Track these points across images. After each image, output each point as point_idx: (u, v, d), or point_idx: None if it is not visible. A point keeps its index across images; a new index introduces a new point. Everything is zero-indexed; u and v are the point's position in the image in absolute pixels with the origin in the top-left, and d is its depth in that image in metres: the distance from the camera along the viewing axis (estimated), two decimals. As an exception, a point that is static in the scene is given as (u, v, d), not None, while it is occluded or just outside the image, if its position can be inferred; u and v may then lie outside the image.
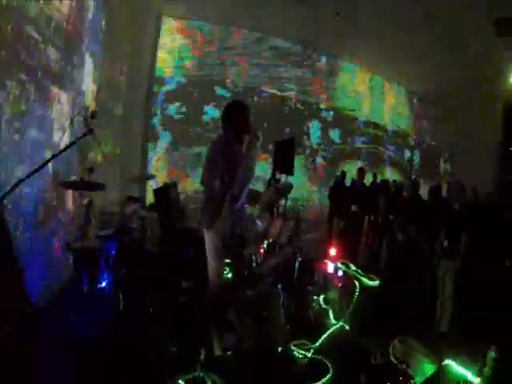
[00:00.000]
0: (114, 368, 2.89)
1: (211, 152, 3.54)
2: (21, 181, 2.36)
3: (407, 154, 14.80)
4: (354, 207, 7.76)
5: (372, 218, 7.45)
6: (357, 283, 4.54)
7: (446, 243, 4.69)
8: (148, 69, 9.44)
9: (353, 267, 5.11)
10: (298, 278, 4.78)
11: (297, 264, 4.82)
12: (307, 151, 11.92)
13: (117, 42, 6.82)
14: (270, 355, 3.43)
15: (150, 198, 7.12)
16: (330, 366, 3.49)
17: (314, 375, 3.33)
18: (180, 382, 2.90)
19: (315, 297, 4.61)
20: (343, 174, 9.00)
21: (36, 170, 2.50)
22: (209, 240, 3.43)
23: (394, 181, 9.51)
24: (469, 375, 3.17)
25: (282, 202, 6.03)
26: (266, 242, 5.03)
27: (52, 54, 3.95)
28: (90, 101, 5.41)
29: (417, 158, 15.15)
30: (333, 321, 4.35)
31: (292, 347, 3.66)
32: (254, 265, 4.62)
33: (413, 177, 11.68)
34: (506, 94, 11.05)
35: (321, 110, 12.24)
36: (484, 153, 12.13)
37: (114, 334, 3.42)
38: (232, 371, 3.17)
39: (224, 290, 3.53)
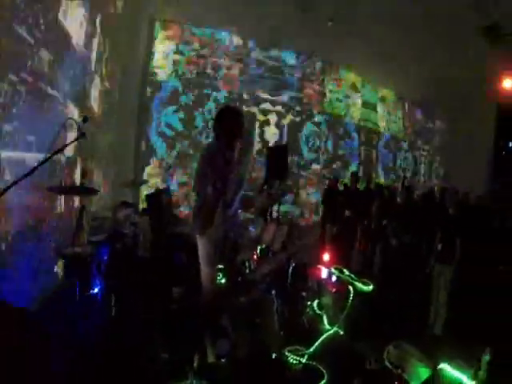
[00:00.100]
0: (106, 375, 2.84)
1: (203, 158, 3.52)
2: (12, 184, 2.32)
3: (400, 158, 14.86)
4: (347, 212, 7.77)
5: (365, 222, 7.45)
6: (351, 288, 4.53)
7: (439, 247, 4.71)
8: (141, 73, 9.42)
9: (346, 272, 5.10)
10: (292, 284, 4.76)
11: (290, 270, 4.81)
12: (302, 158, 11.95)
13: (110, 45, 6.80)
14: (264, 361, 3.40)
15: (143, 202, 7.07)
16: (324, 371, 3.47)
17: (308, 381, 3.32)
18: (173, 389, 2.87)
19: (309, 302, 4.60)
20: (336, 179, 9.02)
21: (27, 174, 2.46)
22: (201, 246, 3.40)
23: (387, 186, 9.53)
24: (464, 379, 3.17)
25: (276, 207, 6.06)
26: (259, 247, 5.02)
27: (44, 55, 3.92)
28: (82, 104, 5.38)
29: (410, 163, 15.22)
30: (327, 326, 4.33)
31: (286, 353, 3.63)
32: (247, 271, 4.61)
33: (406, 182, 11.72)
34: (499, 98, 11.16)
35: (314, 115, 12.28)
36: (477, 156, 12.24)
37: (106, 340, 3.37)
38: (225, 379, 3.13)
39: (217, 296, 3.50)
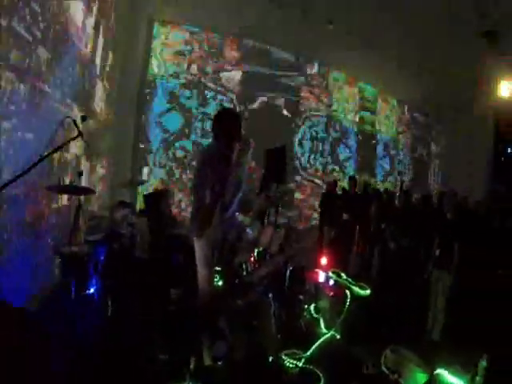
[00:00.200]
0: (104, 375, 2.81)
1: (201, 160, 3.50)
2: (9, 182, 2.30)
3: (398, 162, 14.88)
4: (345, 215, 7.76)
5: (363, 226, 7.44)
6: (348, 293, 4.52)
7: (437, 252, 4.70)
8: (139, 74, 9.40)
9: (344, 276, 5.09)
10: (289, 287, 4.75)
11: (288, 273, 4.79)
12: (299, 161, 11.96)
13: (110, 45, 6.79)
14: (261, 365, 3.38)
15: (140, 202, 7.04)
16: (321, 375, 3.46)
17: (305, 385, 3.29)
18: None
19: (306, 306, 4.58)
20: (335, 182, 9.02)
21: (24, 172, 2.44)
22: (199, 248, 3.38)
23: (386, 189, 9.54)
24: (460, 384, 3.15)
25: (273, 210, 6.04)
26: (256, 250, 5.00)
27: (42, 53, 3.90)
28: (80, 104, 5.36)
29: (408, 166, 15.23)
30: (324, 330, 4.31)
31: (283, 357, 3.61)
32: (245, 273, 4.59)
33: (404, 186, 11.72)
34: (497, 104, 11.19)
35: (311, 117, 12.29)
36: (476, 160, 12.27)
37: (103, 340, 3.34)
38: (222, 382, 3.11)
39: (214, 298, 3.48)
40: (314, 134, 12.30)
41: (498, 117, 11.71)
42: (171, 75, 9.90)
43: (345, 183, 9.90)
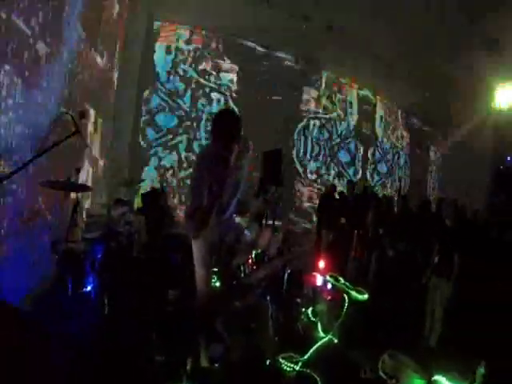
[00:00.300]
0: (100, 374, 2.77)
1: (200, 161, 3.48)
2: (7, 176, 2.26)
3: (396, 167, 14.88)
4: (342, 219, 7.74)
5: (361, 231, 7.43)
6: (346, 297, 4.50)
7: (436, 259, 4.68)
8: (139, 72, 9.37)
9: (342, 280, 5.07)
10: (287, 290, 4.73)
11: (286, 276, 4.77)
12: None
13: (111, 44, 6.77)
14: (258, 368, 3.35)
15: (138, 201, 7.00)
16: (318, 379, 3.42)
17: (302, 388, 3.26)
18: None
19: (304, 309, 4.56)
20: (333, 185, 9.01)
21: (20, 168, 2.40)
22: (196, 248, 3.34)
23: (384, 195, 9.54)
24: (458, 391, 3.13)
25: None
26: (254, 252, 4.97)
27: (41, 48, 3.87)
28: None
29: (406, 172, 15.24)
30: (321, 334, 4.28)
31: (280, 360, 3.58)
32: (242, 275, 4.56)
33: (402, 191, 11.72)
34: (496, 112, 11.22)
35: (310, 120, 12.30)
36: (474, 169, 12.29)
37: (98, 340, 3.30)
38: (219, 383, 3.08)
39: (212, 299, 3.45)
40: (312, 137, 12.30)
41: (496, 125, 11.74)
42: (170, 74, 9.88)
43: (342, 188, 9.90)
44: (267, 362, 3.45)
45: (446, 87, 10.77)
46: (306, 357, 3.71)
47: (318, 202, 9.18)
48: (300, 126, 12.10)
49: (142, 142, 9.53)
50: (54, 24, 4.15)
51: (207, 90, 10.36)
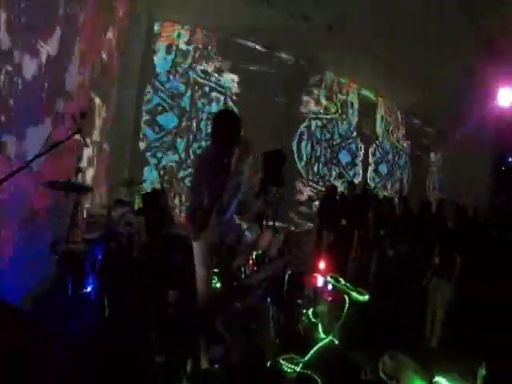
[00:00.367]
0: (99, 375, 2.76)
1: (199, 162, 3.45)
2: (8, 176, 2.25)
3: (397, 168, 14.86)
4: (343, 220, 7.73)
5: (361, 232, 7.42)
6: (346, 298, 4.48)
7: (437, 260, 4.67)
8: (139, 72, 9.36)
9: (342, 281, 5.06)
10: (288, 292, 4.72)
11: (286, 277, 4.76)
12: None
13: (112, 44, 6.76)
14: (259, 369, 3.34)
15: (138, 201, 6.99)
16: (318, 380, 3.41)
17: (302, 390, 3.25)
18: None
19: (304, 310, 4.55)
20: (334, 186, 8.99)
21: (21, 168, 2.39)
22: (197, 249, 3.33)
23: (385, 196, 9.53)
24: (459, 393, 3.12)
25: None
26: (255, 253, 4.96)
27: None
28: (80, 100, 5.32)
29: (406, 173, 15.22)
30: (322, 335, 4.27)
31: (281, 361, 3.57)
32: (243, 276, 4.55)
33: (403, 192, 11.73)
34: (497, 113, 11.18)
35: (311, 121, 12.29)
36: (475, 170, 12.27)
37: (98, 340, 3.29)
38: (219, 385, 3.07)
39: (212, 300, 3.43)
40: (313, 137, 12.29)
41: (497, 125, 11.71)
42: (170, 74, 9.88)
43: (343, 189, 9.89)
44: (268, 364, 3.43)
45: (446, 87, 10.75)
46: (306, 358, 3.70)
47: (318, 202, 9.15)
48: (301, 126, 12.08)
49: (141, 142, 9.52)
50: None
51: (207, 89, 10.35)
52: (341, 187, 10.46)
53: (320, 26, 9.04)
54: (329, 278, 5.00)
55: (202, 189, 3.17)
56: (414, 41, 9.14)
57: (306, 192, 12.01)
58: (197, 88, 10.19)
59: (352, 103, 13.30)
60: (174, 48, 9.92)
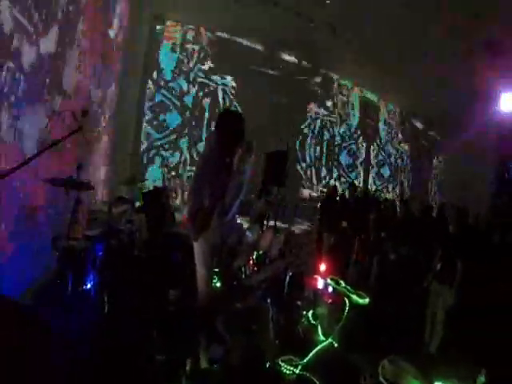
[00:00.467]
0: (98, 373, 2.75)
1: (201, 162, 3.43)
2: (8, 172, 2.24)
3: (399, 170, 14.85)
4: (344, 223, 7.70)
5: (362, 235, 7.39)
6: (347, 300, 4.46)
7: (438, 266, 4.65)
8: (142, 71, 9.36)
9: (343, 284, 5.03)
10: (288, 293, 4.70)
11: (287, 278, 4.74)
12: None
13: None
14: (258, 370, 3.32)
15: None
16: (317, 383, 3.39)
17: (301, 392, 3.24)
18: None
19: (304, 312, 4.53)
20: (335, 188, 8.97)
21: (22, 164, 2.37)
22: (198, 248, 3.31)
23: (385, 199, 9.51)
24: (459, 398, 3.10)
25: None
26: (255, 253, 4.95)
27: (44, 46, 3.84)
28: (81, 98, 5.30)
29: (408, 176, 15.21)
30: (321, 337, 4.25)
31: (280, 363, 3.55)
32: (243, 276, 4.54)
33: (404, 195, 11.70)
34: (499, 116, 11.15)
35: (314, 122, 12.28)
36: (477, 175, 12.25)
37: (98, 338, 3.27)
38: (218, 385, 3.05)
39: (213, 299, 3.42)
40: (314, 138, 12.27)
41: (499, 127, 11.66)
42: (174, 73, 9.87)
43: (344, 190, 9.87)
44: (267, 365, 3.42)
45: (447, 88, 10.72)
46: (305, 360, 3.68)
47: (319, 204, 9.12)
48: (302, 127, 12.07)
49: (145, 141, 9.51)
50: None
51: (211, 89, 10.35)
52: (341, 189, 10.45)
53: (322, 26, 9.04)
54: (329, 281, 4.97)
55: (203, 189, 3.16)
56: (414, 41, 9.12)
57: (307, 192, 12.00)
58: (200, 87, 10.19)
59: (353, 104, 13.32)
60: (178, 47, 9.91)
